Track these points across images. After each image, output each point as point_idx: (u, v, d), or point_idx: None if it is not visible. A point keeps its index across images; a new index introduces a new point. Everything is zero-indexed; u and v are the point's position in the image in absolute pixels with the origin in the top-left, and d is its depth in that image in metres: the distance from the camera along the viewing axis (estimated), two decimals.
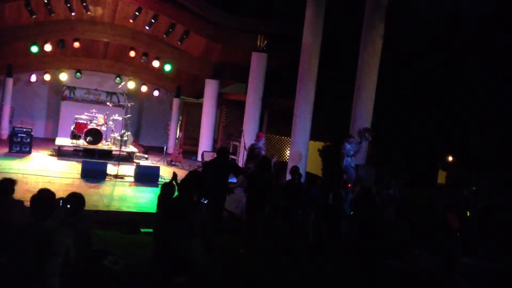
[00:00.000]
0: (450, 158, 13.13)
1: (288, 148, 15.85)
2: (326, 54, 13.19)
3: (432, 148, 13.16)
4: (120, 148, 14.96)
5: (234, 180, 11.23)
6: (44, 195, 4.25)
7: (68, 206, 5.25)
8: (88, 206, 5.62)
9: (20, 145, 14.73)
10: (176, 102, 20.35)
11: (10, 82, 18.02)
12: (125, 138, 15.74)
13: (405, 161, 12.32)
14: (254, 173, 8.78)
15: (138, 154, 16.49)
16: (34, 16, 14.61)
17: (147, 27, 15.67)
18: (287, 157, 15.61)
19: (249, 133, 14.94)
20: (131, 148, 16.28)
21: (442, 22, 12.32)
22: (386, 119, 12.87)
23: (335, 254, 8.68)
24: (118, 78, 19.40)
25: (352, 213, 9.02)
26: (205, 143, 17.89)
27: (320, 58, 13.01)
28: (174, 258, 6.06)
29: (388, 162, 11.73)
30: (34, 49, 16.07)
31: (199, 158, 16.70)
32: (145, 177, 12.55)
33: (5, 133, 17.76)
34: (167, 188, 7.10)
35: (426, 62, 12.89)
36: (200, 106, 18.82)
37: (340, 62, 13.96)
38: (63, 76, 18.60)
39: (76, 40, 16.48)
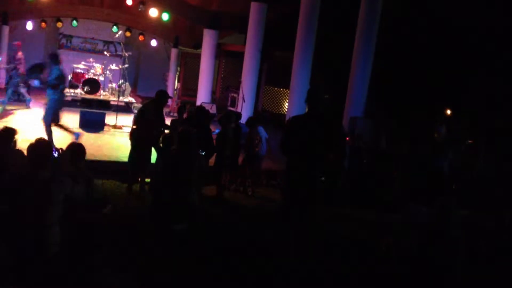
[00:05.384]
0: (449, 112, 13.07)
1: (287, 100, 15.80)
2: (327, 5, 12.93)
3: (430, 101, 13.06)
4: (118, 98, 14.89)
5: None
6: (41, 145, 4.25)
7: (68, 155, 5.27)
8: (87, 156, 5.63)
9: (18, 94, 14.64)
10: (174, 52, 20.10)
11: (6, 30, 17.74)
12: (123, 88, 15.66)
13: (403, 114, 12.23)
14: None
15: (136, 104, 16.43)
16: None
17: None
18: (285, 109, 15.60)
19: (247, 85, 14.85)
20: (129, 99, 16.21)
21: None
22: (385, 72, 12.72)
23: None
24: (115, 27, 18.98)
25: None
26: (203, 95, 17.79)
27: (320, 9, 12.76)
28: (173, 206, 6.16)
29: (384, 116, 11.57)
30: None
31: None
32: None
33: (2, 82, 17.57)
34: (167, 139, 7.20)
35: (427, 13, 12.60)
36: (198, 57, 18.60)
37: (340, 13, 13.69)
38: (60, 25, 18.30)
39: None
